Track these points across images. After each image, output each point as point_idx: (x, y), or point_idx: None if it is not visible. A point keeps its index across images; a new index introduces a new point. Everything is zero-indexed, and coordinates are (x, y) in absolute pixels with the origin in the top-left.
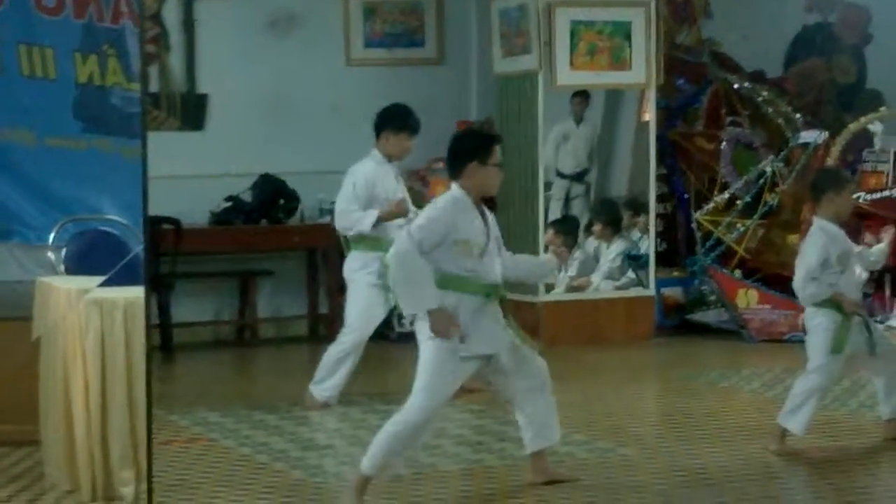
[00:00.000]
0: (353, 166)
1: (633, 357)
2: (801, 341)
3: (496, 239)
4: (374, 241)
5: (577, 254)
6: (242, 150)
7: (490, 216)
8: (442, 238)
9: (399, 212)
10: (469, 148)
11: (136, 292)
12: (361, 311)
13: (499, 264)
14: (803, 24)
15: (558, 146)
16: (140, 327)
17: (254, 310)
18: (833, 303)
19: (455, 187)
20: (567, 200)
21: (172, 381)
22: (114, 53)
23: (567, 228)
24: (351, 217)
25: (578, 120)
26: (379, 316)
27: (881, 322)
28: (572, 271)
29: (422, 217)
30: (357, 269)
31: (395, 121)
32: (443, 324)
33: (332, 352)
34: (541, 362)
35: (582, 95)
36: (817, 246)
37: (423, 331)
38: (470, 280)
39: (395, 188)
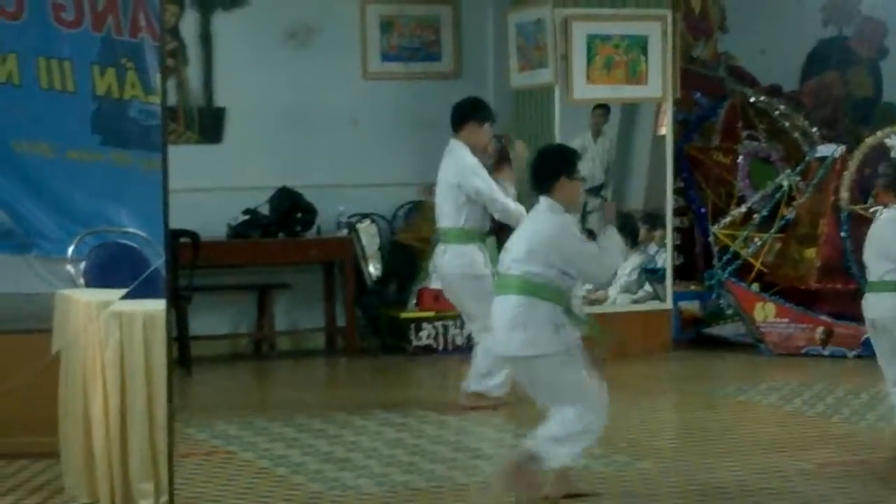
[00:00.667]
0: (459, 161)
1: (650, 371)
2: (819, 355)
3: None
4: (473, 232)
5: None
6: (260, 163)
7: None
8: None
9: None
10: (559, 163)
11: (156, 305)
12: (486, 298)
13: None
14: (819, 38)
15: None
16: (160, 340)
17: (271, 323)
18: None
19: (549, 202)
20: (584, 214)
21: (190, 393)
22: (132, 67)
23: None
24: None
25: (597, 133)
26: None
27: None
28: (588, 285)
29: (581, 253)
30: (467, 264)
31: (479, 112)
32: None
33: (483, 348)
34: None
35: (603, 108)
36: None
37: (545, 369)
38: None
39: None
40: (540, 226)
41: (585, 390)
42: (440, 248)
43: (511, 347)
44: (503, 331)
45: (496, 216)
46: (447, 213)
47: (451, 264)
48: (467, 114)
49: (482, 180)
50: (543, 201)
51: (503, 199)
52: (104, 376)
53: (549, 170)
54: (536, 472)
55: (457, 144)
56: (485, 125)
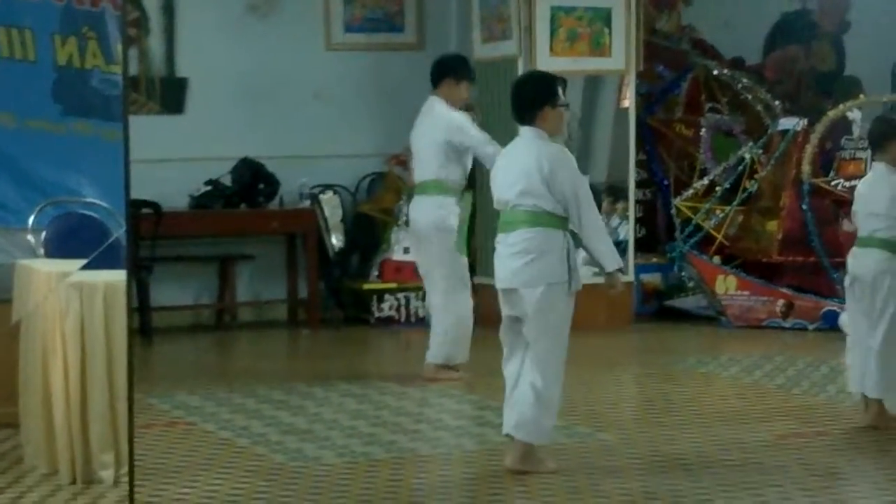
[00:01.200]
0: (443, 117)
1: (612, 343)
2: (779, 327)
3: None
4: (452, 185)
5: None
6: (222, 134)
7: None
8: None
9: None
10: (542, 92)
11: (117, 276)
12: (451, 253)
13: None
14: (783, 12)
15: None
16: (120, 311)
17: (233, 294)
18: None
19: (535, 131)
20: None
21: (152, 364)
22: (94, 36)
23: None
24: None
25: None
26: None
27: None
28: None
29: (577, 175)
30: (443, 216)
31: (459, 69)
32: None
33: (436, 318)
34: None
35: (560, 81)
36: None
37: (550, 299)
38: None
39: None
40: (541, 157)
41: (561, 348)
42: (416, 199)
43: (515, 280)
44: (508, 262)
45: (487, 165)
46: (427, 167)
47: (428, 215)
48: (446, 70)
49: (471, 135)
50: (529, 131)
51: (493, 150)
52: (64, 347)
53: (532, 99)
54: (535, 452)
55: (436, 101)
56: (463, 82)
